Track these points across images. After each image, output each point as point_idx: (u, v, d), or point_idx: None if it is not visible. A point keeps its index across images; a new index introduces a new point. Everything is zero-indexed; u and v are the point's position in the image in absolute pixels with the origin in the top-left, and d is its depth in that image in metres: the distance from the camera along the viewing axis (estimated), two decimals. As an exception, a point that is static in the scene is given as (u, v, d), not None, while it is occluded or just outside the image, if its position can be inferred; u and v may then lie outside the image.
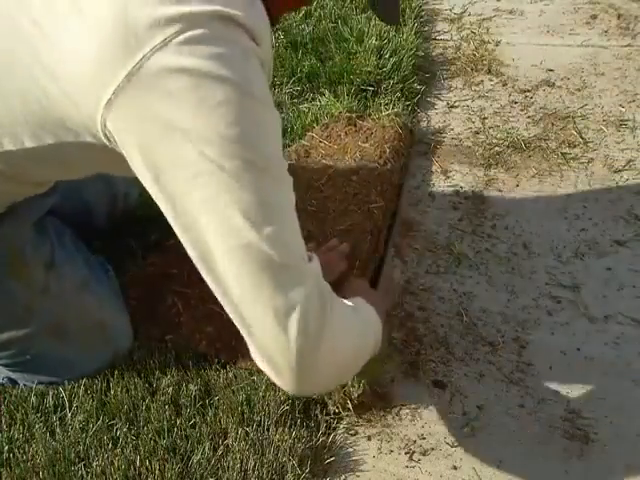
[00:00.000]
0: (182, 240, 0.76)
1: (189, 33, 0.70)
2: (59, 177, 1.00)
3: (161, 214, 0.76)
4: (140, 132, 0.72)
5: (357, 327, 0.89)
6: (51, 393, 1.11)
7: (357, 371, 0.92)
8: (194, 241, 0.75)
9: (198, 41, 0.71)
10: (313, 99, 1.76)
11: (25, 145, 0.82)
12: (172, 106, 0.71)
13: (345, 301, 0.90)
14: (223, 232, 0.73)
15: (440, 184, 1.53)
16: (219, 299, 0.77)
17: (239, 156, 0.72)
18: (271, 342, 0.76)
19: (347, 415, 1.09)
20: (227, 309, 0.78)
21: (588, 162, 1.55)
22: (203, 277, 0.77)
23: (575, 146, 1.59)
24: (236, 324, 0.78)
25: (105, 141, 0.76)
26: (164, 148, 0.72)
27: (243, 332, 0.78)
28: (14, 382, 1.16)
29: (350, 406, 1.08)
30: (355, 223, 1.34)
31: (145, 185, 0.76)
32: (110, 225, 1.35)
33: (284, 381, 0.79)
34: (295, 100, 1.77)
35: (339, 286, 1.20)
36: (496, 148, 1.60)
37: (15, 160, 0.85)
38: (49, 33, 0.75)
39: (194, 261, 0.77)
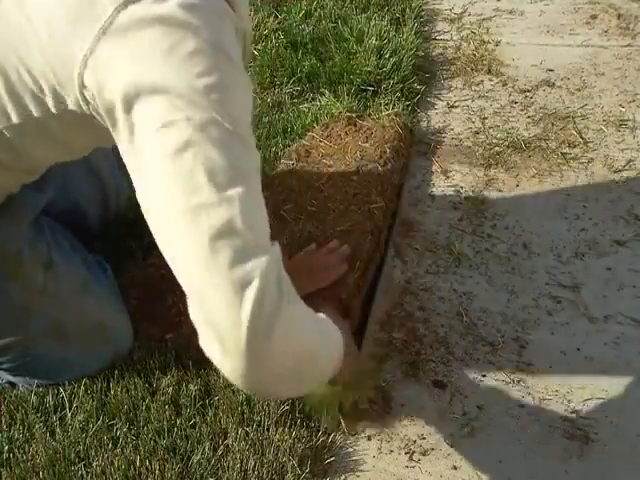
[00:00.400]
0: (141, 201, 0.73)
1: None
2: (48, 158, 0.98)
3: None
4: (113, 86, 0.72)
5: (317, 329, 0.82)
6: (51, 393, 1.12)
7: (316, 381, 0.86)
8: (153, 199, 0.72)
9: None
10: (313, 99, 1.76)
11: (12, 121, 0.82)
12: (143, 57, 0.71)
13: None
14: (184, 188, 0.70)
15: (440, 184, 1.53)
16: (171, 265, 0.73)
17: (208, 109, 0.70)
18: (223, 314, 0.70)
19: (342, 429, 1.08)
20: (179, 275, 0.73)
21: (588, 162, 1.55)
22: (157, 242, 0.73)
23: (575, 146, 1.59)
24: (187, 292, 0.73)
25: (83, 105, 0.76)
26: (136, 101, 0.71)
27: (192, 303, 0.73)
28: (13, 384, 1.16)
29: (343, 424, 1.07)
30: (355, 223, 1.34)
31: (120, 150, 0.75)
32: (103, 227, 1.34)
33: (231, 363, 0.71)
34: (295, 100, 1.77)
35: (340, 285, 1.20)
36: (496, 148, 1.60)
37: (3, 139, 0.85)
38: (37, 27, 0.75)
39: (150, 223, 0.73)
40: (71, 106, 0.78)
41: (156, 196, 0.72)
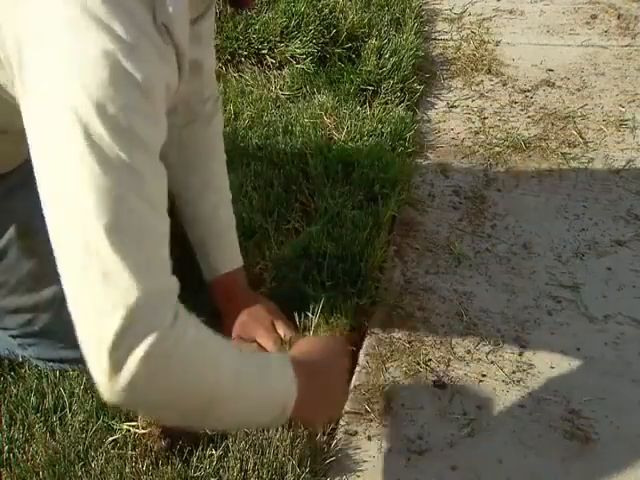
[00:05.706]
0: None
1: None
2: None
3: None
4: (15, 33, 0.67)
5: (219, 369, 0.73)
6: (51, 393, 1.11)
7: (228, 425, 0.88)
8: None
9: None
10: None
11: None
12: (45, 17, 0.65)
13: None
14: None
15: (440, 184, 1.53)
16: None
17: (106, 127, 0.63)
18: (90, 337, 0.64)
19: (347, 419, 1.08)
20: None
21: (588, 162, 1.55)
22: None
23: (575, 146, 1.59)
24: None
25: None
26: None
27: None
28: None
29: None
30: None
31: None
32: None
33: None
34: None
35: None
36: (496, 148, 1.60)
37: None
38: None
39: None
40: None
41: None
